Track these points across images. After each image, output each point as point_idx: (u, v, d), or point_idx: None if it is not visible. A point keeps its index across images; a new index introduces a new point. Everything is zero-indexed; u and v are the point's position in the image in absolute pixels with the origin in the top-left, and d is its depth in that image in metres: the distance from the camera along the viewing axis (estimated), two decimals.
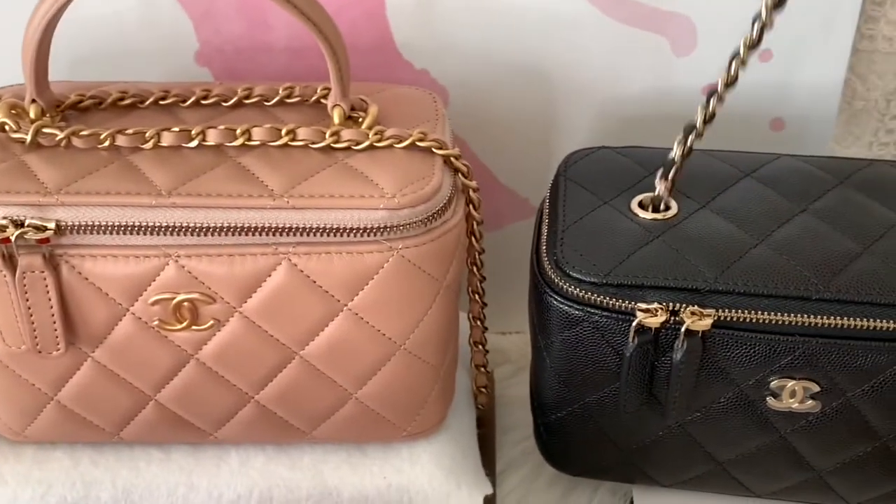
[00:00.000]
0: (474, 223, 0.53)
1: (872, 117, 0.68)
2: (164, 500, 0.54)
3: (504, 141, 0.65)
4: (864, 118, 0.68)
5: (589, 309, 0.50)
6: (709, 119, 0.49)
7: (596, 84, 0.62)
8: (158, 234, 0.47)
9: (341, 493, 0.55)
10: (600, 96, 0.63)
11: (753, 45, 0.48)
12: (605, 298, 0.49)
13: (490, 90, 0.62)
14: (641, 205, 0.53)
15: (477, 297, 0.57)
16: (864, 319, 0.47)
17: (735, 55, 0.48)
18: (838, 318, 0.47)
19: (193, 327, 0.49)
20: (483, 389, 0.62)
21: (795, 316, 0.48)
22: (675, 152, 0.50)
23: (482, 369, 0.61)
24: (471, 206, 0.52)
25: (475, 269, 0.56)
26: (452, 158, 0.50)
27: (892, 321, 0.47)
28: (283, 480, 0.55)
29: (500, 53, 0.61)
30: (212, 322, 0.49)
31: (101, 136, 0.48)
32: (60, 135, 0.48)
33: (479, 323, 0.59)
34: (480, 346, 0.60)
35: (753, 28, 0.48)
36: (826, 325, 0.48)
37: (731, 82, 0.49)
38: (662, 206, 0.52)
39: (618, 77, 0.62)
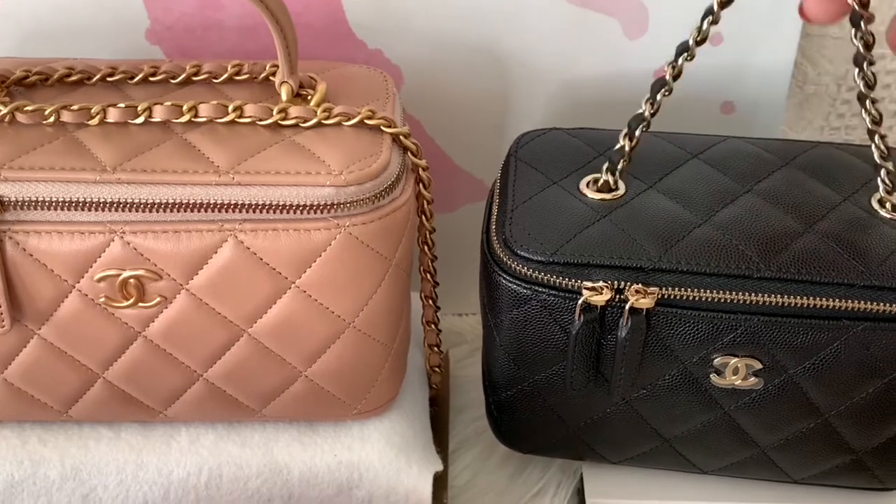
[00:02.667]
0: (425, 202, 0.54)
1: (824, 102, 0.69)
2: (113, 478, 0.54)
3: (459, 123, 0.65)
4: (816, 103, 0.69)
5: (536, 287, 0.50)
6: (655, 111, 0.50)
7: (550, 66, 0.63)
8: (103, 210, 0.46)
9: (291, 471, 0.55)
10: (554, 78, 0.63)
11: (702, 41, 0.48)
12: (551, 277, 0.50)
13: (444, 71, 0.63)
14: (590, 185, 0.53)
15: (428, 276, 0.58)
16: (805, 297, 0.48)
17: (683, 49, 0.49)
18: (779, 296, 0.48)
19: (140, 304, 0.49)
20: (436, 369, 0.62)
21: (737, 294, 0.48)
22: (623, 144, 0.51)
23: (435, 349, 0.61)
24: (420, 185, 0.52)
25: (426, 248, 0.56)
26: (401, 137, 0.50)
27: (831, 299, 0.48)
28: (232, 458, 0.55)
29: (454, 34, 0.61)
30: (158, 299, 0.49)
31: (46, 112, 0.48)
32: (4, 110, 0.47)
33: (431, 302, 0.59)
34: (433, 326, 0.60)
35: (703, 24, 0.48)
36: (767, 303, 0.48)
37: (677, 75, 0.49)
38: (610, 187, 0.53)
39: (571, 59, 0.62)
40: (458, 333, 0.73)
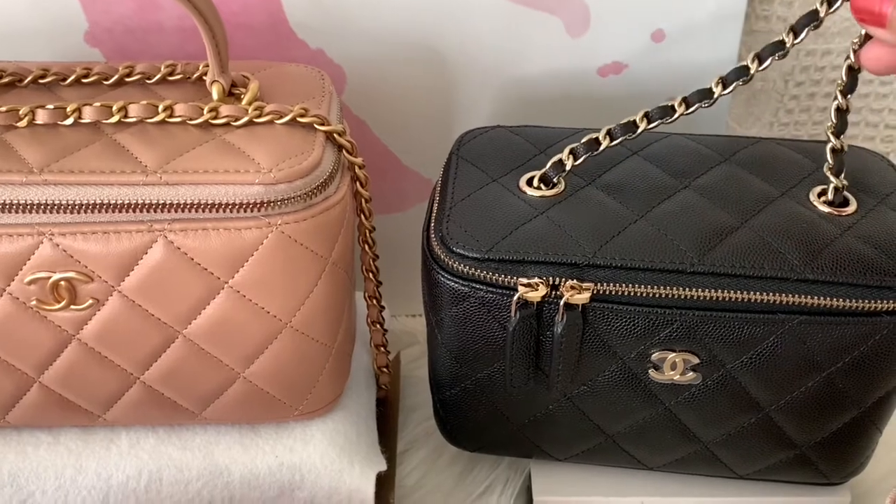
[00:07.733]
0: (363, 200, 0.53)
1: (772, 98, 0.69)
2: (52, 482, 0.54)
3: (405, 122, 0.65)
4: (764, 99, 0.69)
5: (474, 284, 0.50)
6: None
7: (494, 64, 0.63)
8: (31, 212, 0.46)
9: (232, 473, 0.54)
10: (499, 76, 0.63)
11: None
12: (487, 274, 0.49)
13: (388, 70, 0.62)
14: (529, 182, 0.53)
15: (371, 275, 0.57)
16: (739, 292, 0.48)
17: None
18: (713, 290, 0.48)
19: (72, 307, 0.48)
20: (384, 369, 0.62)
21: (672, 289, 0.48)
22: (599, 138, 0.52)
23: (382, 349, 0.61)
24: (357, 183, 0.52)
25: (367, 247, 0.56)
26: (335, 134, 0.50)
27: (766, 293, 0.48)
28: (172, 461, 0.54)
29: (397, 33, 0.61)
30: (91, 301, 0.48)
31: None
32: None
33: (374, 302, 0.59)
34: (378, 326, 0.60)
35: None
36: (702, 298, 0.48)
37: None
38: (549, 184, 0.53)
39: (515, 57, 0.62)
40: (410, 334, 0.73)
